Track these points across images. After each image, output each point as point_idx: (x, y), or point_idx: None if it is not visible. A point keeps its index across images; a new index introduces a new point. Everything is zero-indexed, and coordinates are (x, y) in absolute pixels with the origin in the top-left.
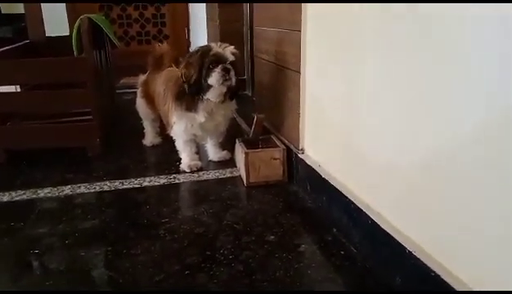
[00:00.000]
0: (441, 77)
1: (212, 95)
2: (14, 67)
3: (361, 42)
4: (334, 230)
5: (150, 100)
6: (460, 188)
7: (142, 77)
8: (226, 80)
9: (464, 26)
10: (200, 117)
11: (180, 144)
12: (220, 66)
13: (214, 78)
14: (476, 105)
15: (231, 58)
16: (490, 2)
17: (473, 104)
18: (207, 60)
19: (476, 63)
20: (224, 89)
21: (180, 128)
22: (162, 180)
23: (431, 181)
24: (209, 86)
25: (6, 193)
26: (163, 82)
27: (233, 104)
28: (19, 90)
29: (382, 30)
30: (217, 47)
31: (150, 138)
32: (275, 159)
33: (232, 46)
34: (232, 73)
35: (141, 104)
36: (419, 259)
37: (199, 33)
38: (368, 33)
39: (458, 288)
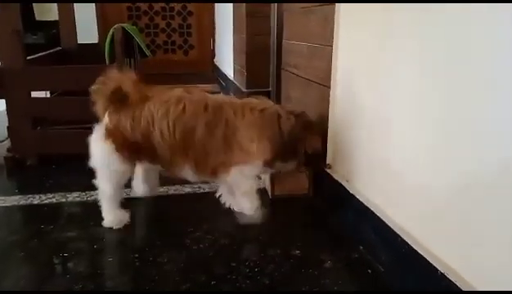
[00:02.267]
0: (483, 98)
1: None
2: (49, 73)
3: (395, 58)
4: (361, 248)
5: None
6: (497, 212)
7: None
8: None
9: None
10: None
11: None
12: None
13: None
14: None
15: None
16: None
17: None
18: None
19: None
20: None
21: None
22: (187, 189)
23: (466, 202)
24: None
25: (37, 196)
26: None
27: None
28: (48, 95)
29: (420, 43)
30: None
31: None
32: (301, 173)
33: None
34: None
35: None
36: (452, 281)
37: (225, 44)
38: (404, 48)
39: None
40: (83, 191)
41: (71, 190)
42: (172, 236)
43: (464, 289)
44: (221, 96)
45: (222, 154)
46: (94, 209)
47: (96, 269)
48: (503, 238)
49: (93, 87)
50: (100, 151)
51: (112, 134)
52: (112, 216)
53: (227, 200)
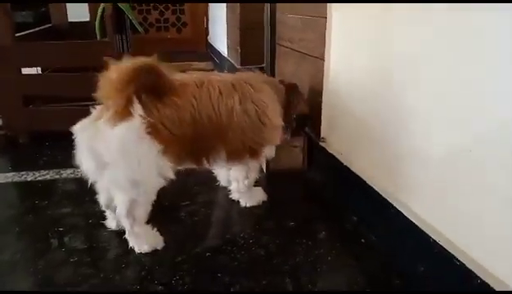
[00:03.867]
0: (471, 69)
1: None
2: (39, 49)
3: (391, 27)
4: (355, 218)
5: None
6: (485, 179)
7: None
8: None
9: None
10: None
11: None
12: None
13: None
14: (506, 98)
15: None
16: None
17: (501, 97)
18: None
19: None
20: None
21: None
22: None
23: (456, 172)
24: None
25: (30, 173)
26: None
27: None
28: (39, 72)
29: (417, 10)
30: None
31: None
32: (295, 147)
33: None
34: None
35: None
36: (443, 247)
37: (218, 21)
38: (400, 15)
39: (483, 277)
40: (78, 168)
41: (65, 167)
42: (167, 210)
43: (455, 254)
44: (223, 74)
45: (256, 132)
46: (88, 186)
47: (92, 243)
48: (491, 205)
49: (106, 69)
50: (142, 156)
51: (157, 131)
52: (148, 240)
53: (234, 195)
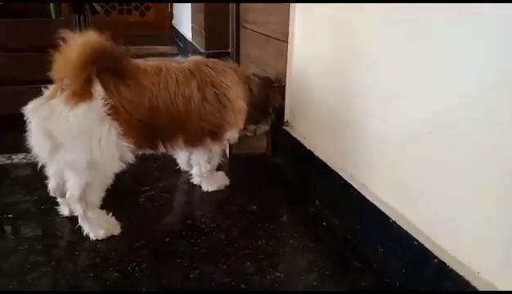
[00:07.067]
0: (430, 50)
1: None
2: None
3: (355, 10)
4: (317, 202)
5: None
6: (444, 160)
7: None
8: None
9: None
10: None
11: None
12: None
13: None
14: (465, 80)
15: None
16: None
17: (460, 79)
18: None
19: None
20: None
21: None
22: None
23: (416, 153)
24: None
25: None
26: None
27: None
28: None
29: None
30: None
31: None
32: None
33: None
34: None
35: None
36: (402, 228)
37: (183, 4)
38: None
39: (439, 255)
40: (30, 152)
41: (16, 152)
42: (125, 195)
43: (413, 235)
44: (184, 60)
45: (217, 116)
46: (41, 171)
47: (44, 230)
48: (450, 186)
49: (64, 44)
50: (103, 137)
51: (117, 112)
52: (103, 226)
53: (195, 180)
